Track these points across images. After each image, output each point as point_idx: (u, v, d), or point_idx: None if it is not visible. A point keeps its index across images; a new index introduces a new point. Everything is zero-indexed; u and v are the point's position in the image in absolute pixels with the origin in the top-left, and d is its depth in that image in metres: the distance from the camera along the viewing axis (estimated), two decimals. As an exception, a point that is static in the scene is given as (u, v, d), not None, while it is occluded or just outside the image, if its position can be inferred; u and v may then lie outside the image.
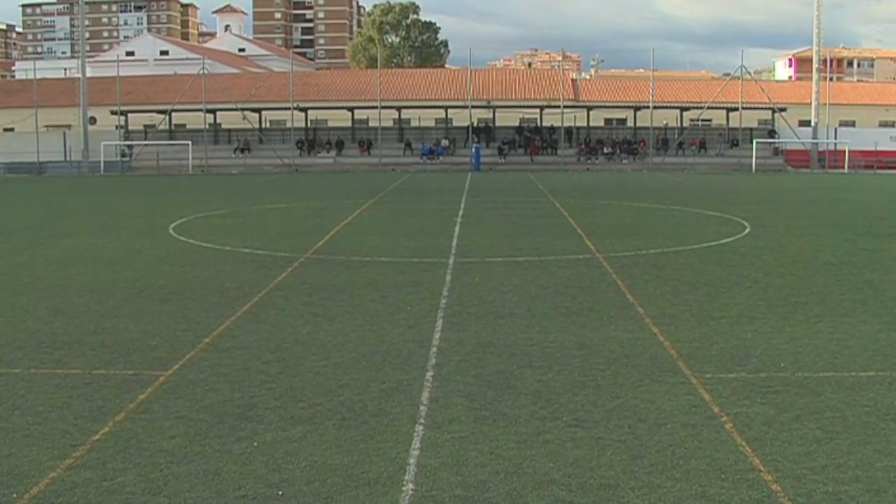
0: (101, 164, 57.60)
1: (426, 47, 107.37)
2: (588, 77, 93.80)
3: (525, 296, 12.81)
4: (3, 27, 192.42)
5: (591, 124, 64.96)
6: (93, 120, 62.47)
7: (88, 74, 62.99)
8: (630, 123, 65.32)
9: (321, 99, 68.88)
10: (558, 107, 62.35)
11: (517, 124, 65.65)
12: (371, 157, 61.84)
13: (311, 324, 11.00)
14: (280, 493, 5.84)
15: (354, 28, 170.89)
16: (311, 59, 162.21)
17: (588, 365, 9.00)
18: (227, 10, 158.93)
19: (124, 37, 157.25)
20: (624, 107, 67.04)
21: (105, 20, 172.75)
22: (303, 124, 64.22)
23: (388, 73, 72.93)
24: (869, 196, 35.16)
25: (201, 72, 62.95)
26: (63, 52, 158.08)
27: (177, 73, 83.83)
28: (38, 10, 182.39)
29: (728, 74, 69.74)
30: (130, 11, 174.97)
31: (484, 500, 5.74)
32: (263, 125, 65.13)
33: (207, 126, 63.37)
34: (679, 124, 63.85)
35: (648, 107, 62.15)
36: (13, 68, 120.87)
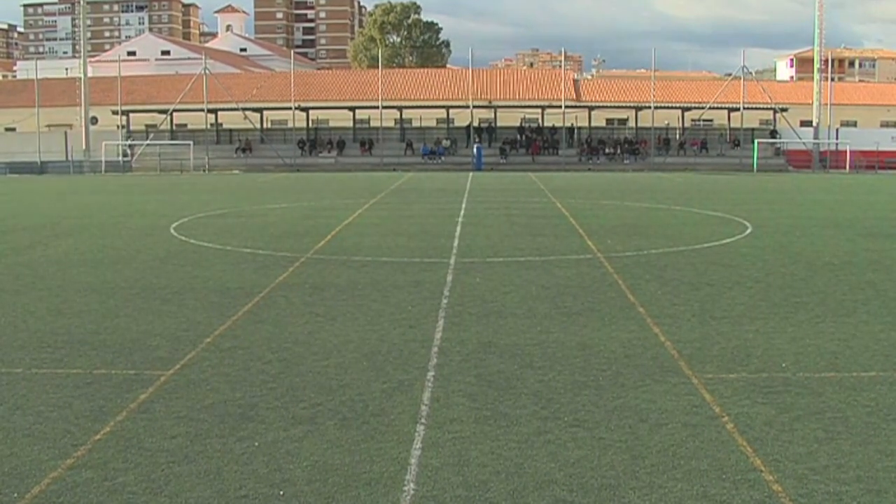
0: (103, 164, 57.67)
1: (427, 47, 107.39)
2: (589, 77, 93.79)
3: (526, 296, 12.81)
4: (5, 27, 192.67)
5: (593, 124, 65.01)
6: (94, 120, 62.53)
7: (90, 74, 63.08)
8: (631, 123, 65.35)
9: (322, 99, 68.97)
10: (560, 107, 62.38)
11: (519, 124, 65.68)
12: (372, 156, 61.89)
13: (312, 324, 11.00)
14: (281, 492, 5.84)
15: (356, 28, 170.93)
16: (312, 59, 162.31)
17: (589, 365, 9.00)
18: (229, 9, 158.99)
19: (126, 36, 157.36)
20: (625, 107, 67.06)
21: (106, 20, 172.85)
22: (304, 124, 64.28)
23: (390, 73, 72.95)
24: (870, 196, 35.15)
25: (203, 72, 63.00)
26: (64, 52, 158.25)
27: (178, 72, 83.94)
28: (39, 10, 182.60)
29: (729, 74, 69.76)
30: (132, 11, 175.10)
31: (485, 500, 5.73)
32: (265, 125, 65.20)
33: (209, 126, 63.45)
34: (680, 124, 63.89)
35: (650, 107, 62.17)
36: (14, 68, 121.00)
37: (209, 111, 62.86)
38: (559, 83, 67.30)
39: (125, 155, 60.49)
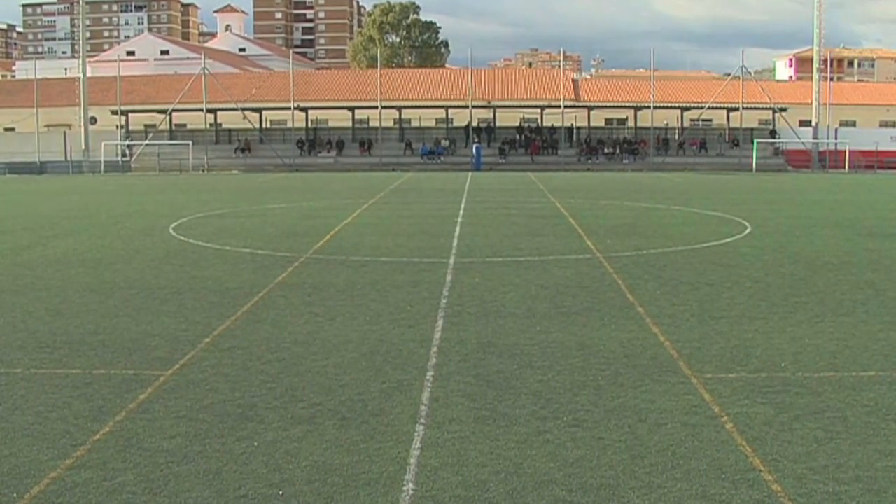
0: (102, 164, 57.65)
1: (426, 47, 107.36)
2: (588, 77, 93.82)
3: (525, 296, 12.81)
4: (4, 27, 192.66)
5: (592, 124, 65.01)
6: (93, 120, 62.52)
7: (89, 74, 63.04)
8: (631, 123, 65.37)
9: (322, 99, 68.94)
10: (559, 107, 62.38)
11: (518, 124, 65.68)
12: (371, 156, 61.88)
13: (312, 324, 11.00)
14: (280, 492, 5.84)
15: (355, 28, 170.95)
16: (311, 59, 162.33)
17: (588, 365, 9.00)
18: (228, 9, 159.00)
19: (125, 36, 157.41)
20: (624, 107, 67.07)
21: (105, 20, 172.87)
22: (303, 124, 64.27)
23: (389, 73, 72.94)
24: (869, 196, 35.16)
25: (202, 72, 62.98)
26: (63, 52, 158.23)
27: (177, 72, 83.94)
28: (38, 10, 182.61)
29: (728, 74, 69.77)
30: (131, 11, 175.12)
31: (484, 500, 5.74)
32: (264, 125, 65.17)
33: (208, 126, 63.43)
34: (680, 124, 63.89)
35: (649, 107, 62.19)
36: (14, 68, 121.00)
37: (208, 111, 62.85)
38: (558, 83, 67.31)
39: (124, 155, 60.47)
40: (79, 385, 8.31)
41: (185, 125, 64.80)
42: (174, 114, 62.80)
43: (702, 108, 63.64)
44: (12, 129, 66.56)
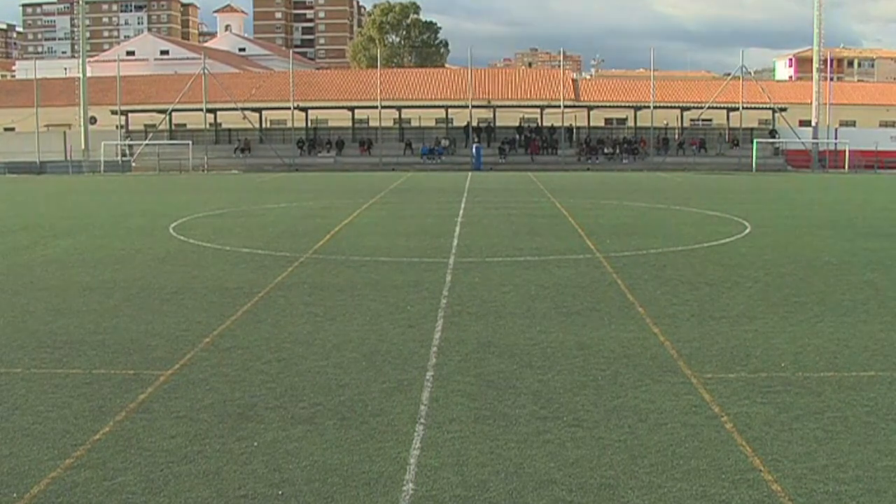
0: (102, 164, 57.62)
1: (426, 47, 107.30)
2: (588, 77, 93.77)
3: (525, 295, 12.81)
4: (4, 27, 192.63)
5: (592, 124, 64.99)
6: (93, 120, 62.48)
7: (89, 74, 63.01)
8: (630, 123, 65.33)
9: (321, 99, 68.90)
10: (559, 106, 62.35)
11: (518, 124, 65.66)
12: (371, 156, 61.86)
13: (312, 323, 11.00)
14: (280, 492, 5.84)
15: (355, 28, 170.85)
16: (311, 59, 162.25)
17: (588, 365, 9.00)
18: (228, 9, 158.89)
19: (125, 36, 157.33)
20: (624, 107, 67.04)
21: (105, 20, 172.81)
22: (303, 124, 64.24)
23: (389, 73, 72.91)
24: (869, 196, 35.16)
25: (202, 71, 62.97)
26: (63, 52, 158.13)
27: (177, 72, 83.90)
28: (38, 10, 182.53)
29: (728, 74, 69.78)
30: (131, 11, 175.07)
31: (484, 500, 5.74)
32: (264, 125, 65.14)
33: (208, 126, 63.40)
34: (679, 124, 63.86)
35: (649, 107, 62.17)
36: (13, 68, 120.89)
37: (208, 111, 62.83)
38: (558, 83, 67.27)
39: (124, 155, 60.43)
40: (79, 385, 8.32)
41: (185, 125, 64.76)
42: (174, 114, 62.75)
43: (702, 108, 63.61)
44: (12, 129, 66.51)
